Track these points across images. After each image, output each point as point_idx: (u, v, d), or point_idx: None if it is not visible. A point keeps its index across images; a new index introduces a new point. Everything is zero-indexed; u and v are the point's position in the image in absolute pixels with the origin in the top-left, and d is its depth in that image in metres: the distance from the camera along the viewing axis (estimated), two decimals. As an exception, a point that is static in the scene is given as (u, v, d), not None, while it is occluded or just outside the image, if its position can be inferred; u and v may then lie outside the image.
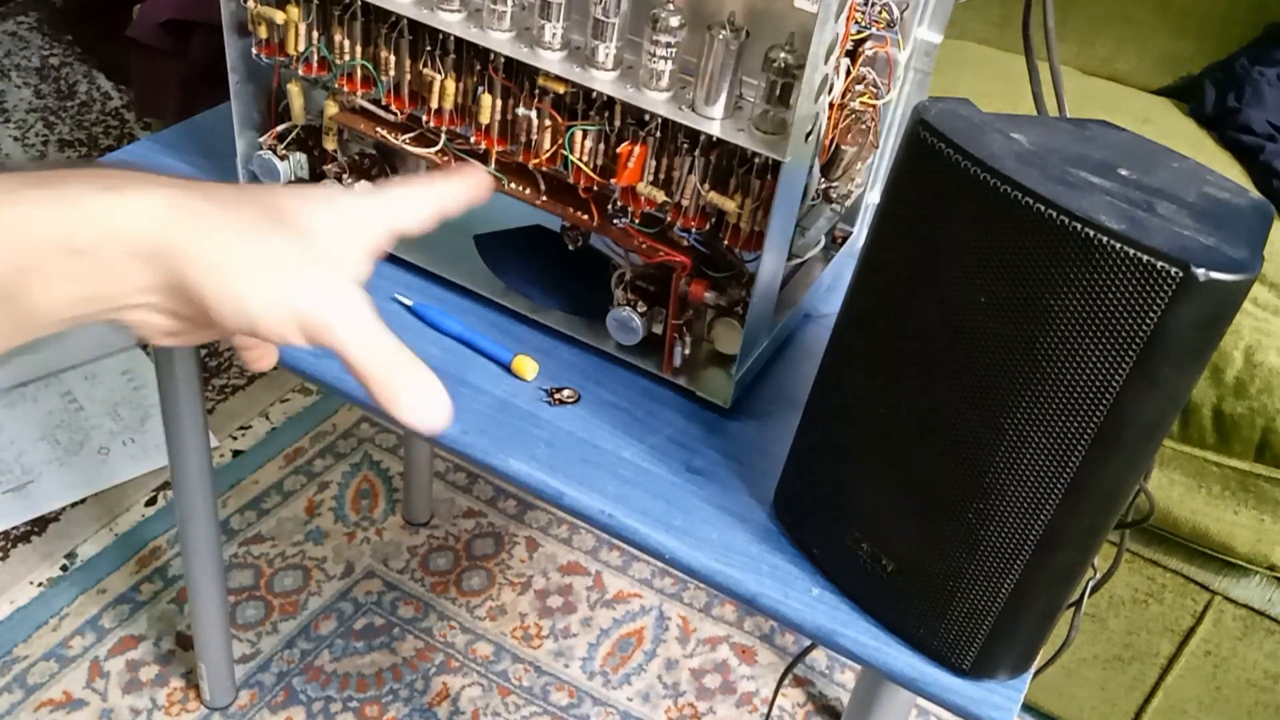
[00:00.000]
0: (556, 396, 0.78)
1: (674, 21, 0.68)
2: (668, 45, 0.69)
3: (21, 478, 1.54)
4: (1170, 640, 1.27)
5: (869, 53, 0.76)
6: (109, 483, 1.55)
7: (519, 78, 0.75)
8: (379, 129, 0.82)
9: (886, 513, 0.63)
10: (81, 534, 1.48)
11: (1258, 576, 1.19)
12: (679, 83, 0.71)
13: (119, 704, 1.31)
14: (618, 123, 0.73)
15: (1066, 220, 0.51)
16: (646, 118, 0.71)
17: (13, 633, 1.36)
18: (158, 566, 1.46)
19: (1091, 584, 0.68)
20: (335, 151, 0.87)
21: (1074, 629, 0.74)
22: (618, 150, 0.73)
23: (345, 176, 0.86)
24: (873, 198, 0.91)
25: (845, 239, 0.92)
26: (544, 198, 0.79)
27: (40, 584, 1.42)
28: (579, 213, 0.78)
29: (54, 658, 1.34)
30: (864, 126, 0.79)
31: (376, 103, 0.82)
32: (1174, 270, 0.49)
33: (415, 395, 0.48)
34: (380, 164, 0.89)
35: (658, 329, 0.79)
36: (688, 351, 0.80)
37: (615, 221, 0.76)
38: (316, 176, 0.89)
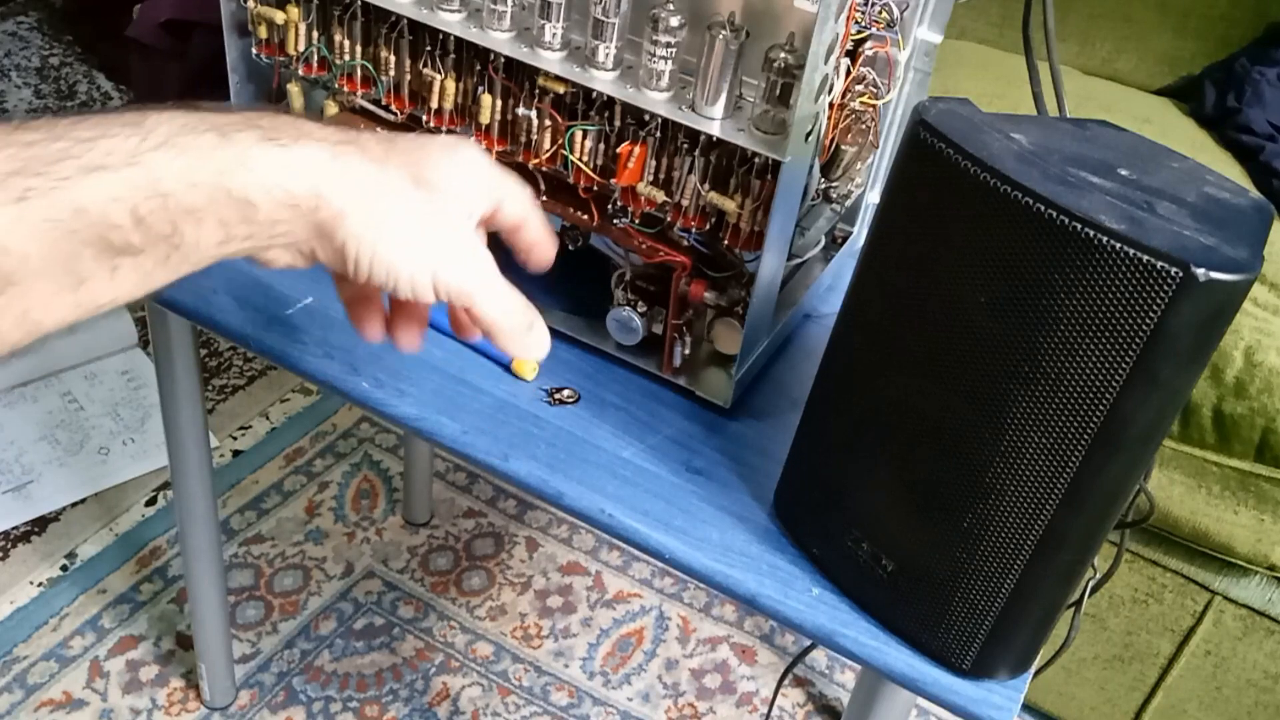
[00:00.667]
0: (556, 396, 0.78)
1: (674, 21, 0.68)
2: (668, 45, 0.69)
3: (21, 478, 1.54)
4: (1170, 640, 1.27)
5: (869, 53, 0.76)
6: (109, 483, 1.55)
7: (519, 78, 0.75)
8: (379, 129, 0.82)
9: (886, 513, 0.63)
10: (81, 534, 1.48)
11: (1258, 576, 1.19)
12: (679, 83, 0.71)
13: (119, 704, 1.31)
14: (618, 123, 0.73)
15: (1066, 220, 0.51)
16: (646, 118, 0.72)
17: (13, 633, 1.36)
18: (158, 566, 1.46)
19: (1091, 584, 0.68)
20: (335, 151, 0.87)
21: (1074, 629, 0.75)
22: (618, 150, 0.73)
23: (345, 176, 0.86)
24: (873, 198, 0.91)
25: (845, 239, 0.92)
26: (544, 198, 0.79)
27: (40, 584, 1.42)
28: (579, 213, 0.78)
29: (54, 658, 1.34)
30: (864, 126, 0.79)
31: (376, 103, 0.82)
32: (1174, 270, 0.49)
33: (531, 341, 0.55)
34: (380, 164, 0.89)
35: (658, 329, 0.79)
36: (688, 351, 0.80)
37: (615, 221, 0.76)
38: (316, 176, 0.89)
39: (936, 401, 0.59)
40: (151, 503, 1.54)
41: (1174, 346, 0.51)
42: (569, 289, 0.84)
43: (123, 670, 1.34)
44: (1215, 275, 0.49)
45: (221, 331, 0.80)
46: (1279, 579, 1.19)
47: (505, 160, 0.79)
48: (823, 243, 0.87)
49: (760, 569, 0.69)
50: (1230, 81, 1.43)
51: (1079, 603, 0.71)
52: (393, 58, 0.79)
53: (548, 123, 0.75)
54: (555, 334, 0.83)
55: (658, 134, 0.72)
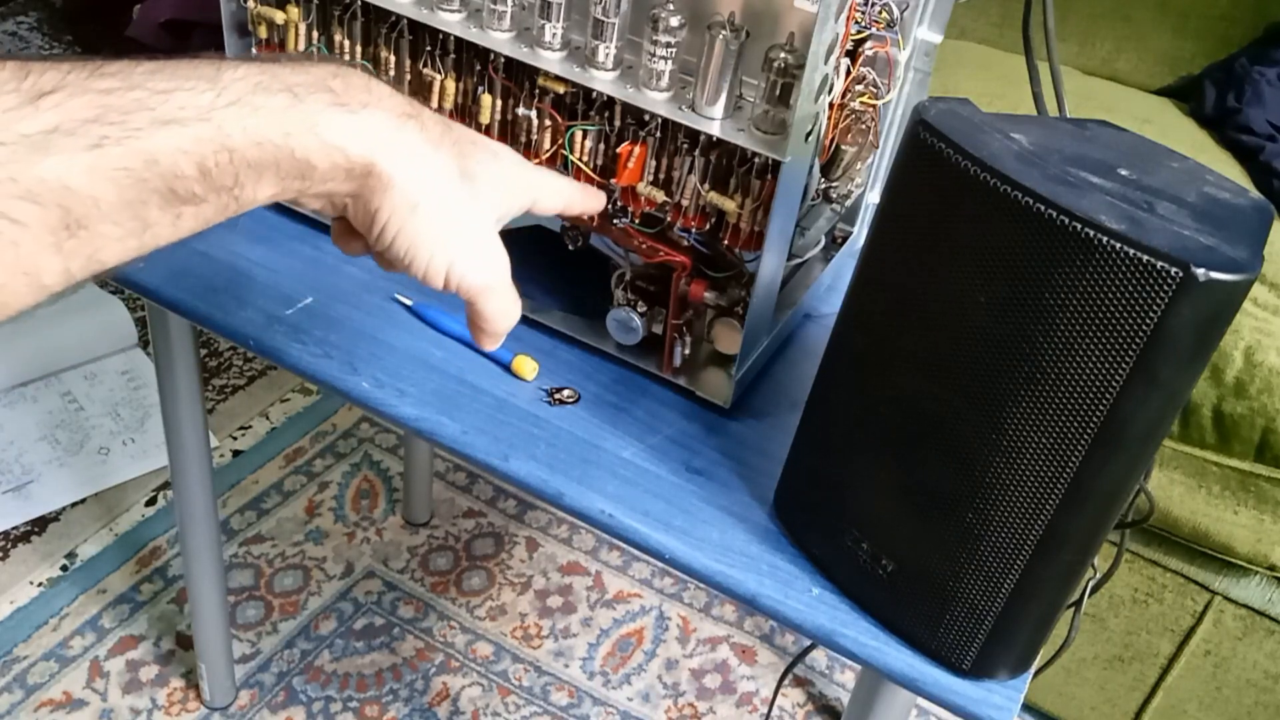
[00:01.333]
0: (556, 396, 0.78)
1: (674, 21, 0.68)
2: (668, 45, 0.69)
3: (21, 478, 1.54)
4: (1170, 640, 1.27)
5: (869, 53, 0.76)
6: (109, 483, 1.55)
7: (519, 78, 0.75)
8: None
9: (886, 513, 0.63)
10: (81, 534, 1.48)
11: (1258, 576, 1.20)
12: (679, 83, 0.71)
13: (119, 704, 1.31)
14: (618, 123, 0.73)
15: (1066, 220, 0.51)
16: (646, 118, 0.72)
17: (13, 633, 1.36)
18: (158, 566, 1.46)
19: (1091, 584, 0.68)
20: (335, 151, 0.87)
21: (1074, 629, 0.75)
22: (618, 150, 0.73)
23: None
24: (873, 198, 0.91)
25: (845, 239, 0.92)
26: (544, 198, 0.79)
27: (40, 584, 1.42)
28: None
29: (54, 658, 1.34)
30: (864, 126, 0.79)
31: (376, 103, 0.82)
32: (1174, 270, 0.49)
33: (500, 342, 0.59)
34: (380, 164, 0.89)
35: (658, 329, 0.79)
36: (688, 351, 0.80)
37: (615, 221, 0.76)
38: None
39: (936, 401, 0.59)
40: (151, 503, 1.54)
41: (1174, 346, 0.51)
42: (569, 289, 0.84)
43: (123, 670, 1.34)
44: (1215, 275, 0.49)
45: (221, 331, 0.80)
46: (1279, 579, 1.19)
47: (505, 160, 0.79)
48: (823, 243, 0.87)
49: (760, 569, 0.69)
50: (1230, 81, 1.43)
51: (1079, 603, 0.71)
52: (393, 58, 0.79)
53: (548, 123, 0.75)
54: (555, 334, 0.83)
55: (658, 134, 0.72)
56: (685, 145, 0.71)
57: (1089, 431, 0.54)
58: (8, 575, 1.42)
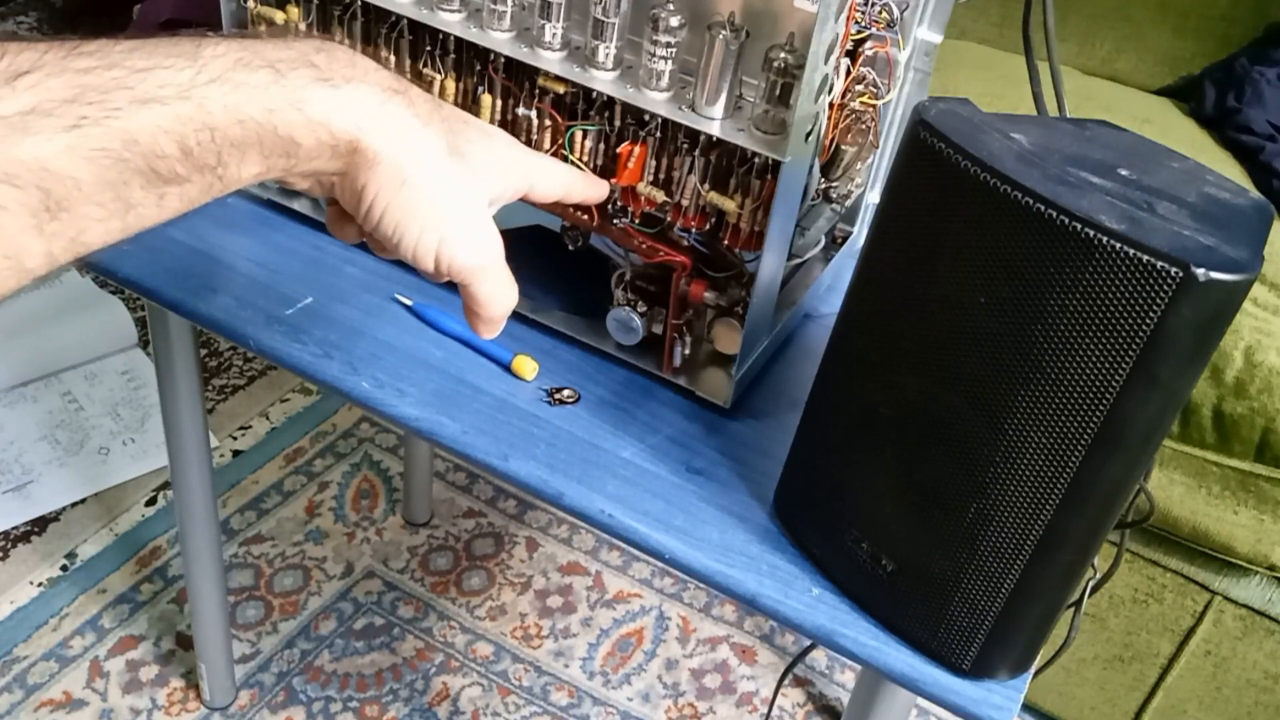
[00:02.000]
0: (556, 396, 0.78)
1: (674, 21, 0.68)
2: (668, 45, 0.69)
3: (21, 478, 1.54)
4: (1170, 640, 1.27)
5: (869, 53, 0.76)
6: (109, 483, 1.55)
7: (519, 78, 0.75)
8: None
9: (886, 513, 0.63)
10: (81, 534, 1.48)
11: (1258, 576, 1.20)
12: (679, 83, 0.71)
13: (119, 704, 1.31)
14: (618, 123, 0.73)
15: (1066, 220, 0.51)
16: (646, 118, 0.72)
17: (13, 633, 1.36)
18: (158, 566, 1.46)
19: (1091, 584, 0.68)
20: (335, 151, 0.87)
21: (1074, 629, 0.75)
22: (618, 150, 0.73)
23: (345, 176, 0.86)
24: (873, 198, 0.91)
25: (845, 239, 0.92)
26: (544, 198, 0.79)
27: (40, 584, 1.42)
28: (579, 213, 0.78)
29: (54, 658, 1.34)
30: (864, 126, 0.79)
31: (376, 103, 0.82)
32: (1174, 270, 0.49)
33: (499, 328, 0.57)
34: (380, 164, 0.89)
35: (658, 329, 0.79)
36: (688, 351, 0.80)
37: (615, 221, 0.76)
38: (316, 176, 0.89)
39: (936, 401, 0.59)
40: (151, 503, 1.54)
41: (1174, 346, 0.51)
42: (569, 289, 0.84)
43: (123, 670, 1.34)
44: (1215, 275, 0.49)
45: (221, 331, 0.80)
46: (1279, 579, 1.19)
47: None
48: (823, 243, 0.87)
49: (760, 569, 0.69)
50: (1230, 81, 1.43)
51: (1079, 603, 0.71)
52: (393, 58, 0.79)
53: (548, 123, 0.75)
54: (555, 334, 0.83)
55: (658, 134, 0.72)
56: (685, 145, 0.71)
57: (1089, 431, 0.54)
58: (8, 575, 1.42)
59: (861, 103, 0.77)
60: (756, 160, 0.70)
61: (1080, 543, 0.59)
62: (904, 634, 0.66)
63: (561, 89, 0.73)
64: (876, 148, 0.82)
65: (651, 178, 0.73)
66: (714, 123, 0.69)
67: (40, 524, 1.49)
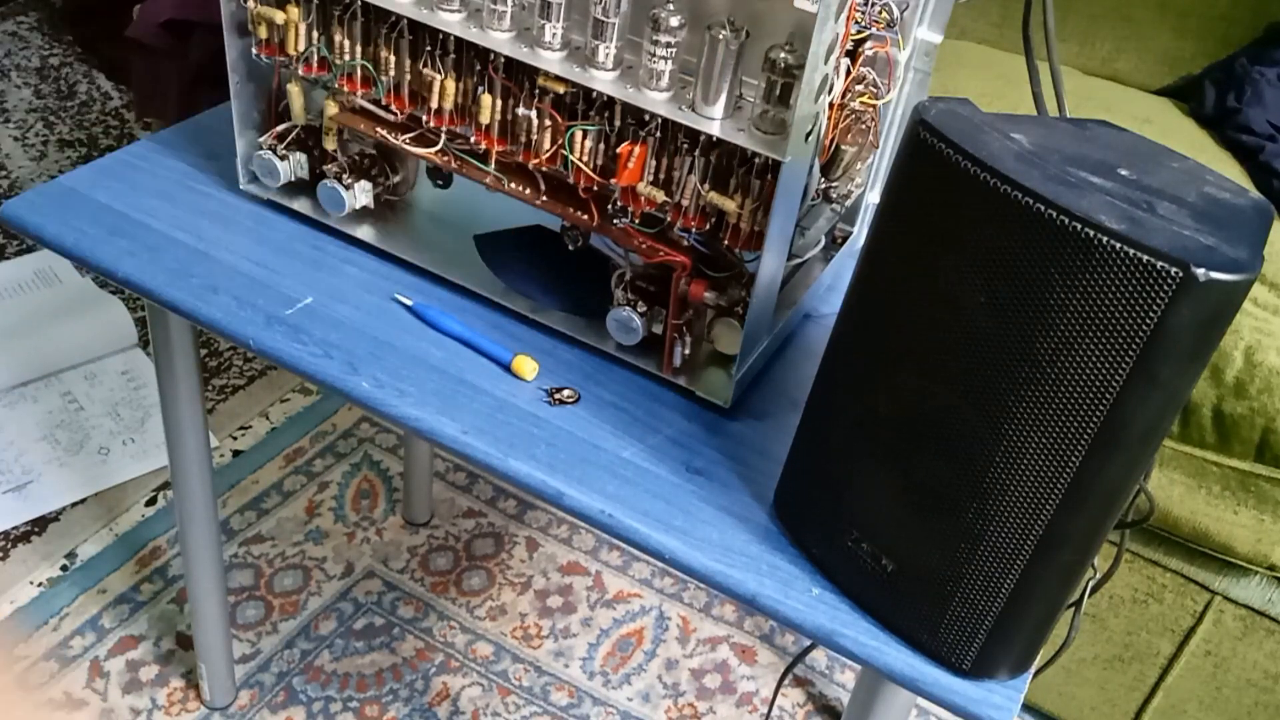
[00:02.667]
0: (556, 396, 0.78)
1: (674, 21, 0.68)
2: (668, 45, 0.69)
3: (21, 478, 1.54)
4: (1170, 640, 1.27)
5: (869, 53, 0.76)
6: (109, 483, 1.55)
7: (519, 78, 0.75)
8: (379, 129, 0.82)
9: (886, 513, 0.63)
10: (81, 534, 1.48)
11: (1258, 576, 1.19)
12: (679, 83, 0.71)
13: (119, 704, 1.31)
14: (618, 123, 0.73)
15: (1066, 220, 0.51)
16: (646, 118, 0.72)
17: (13, 633, 1.36)
18: (158, 566, 1.46)
19: (1091, 584, 0.68)
20: (335, 151, 0.87)
21: (1074, 629, 0.75)
22: (618, 150, 0.73)
23: (345, 176, 0.86)
24: (873, 198, 0.91)
25: (845, 239, 0.92)
26: (544, 198, 0.79)
27: (40, 584, 1.42)
28: (579, 213, 0.78)
29: (54, 658, 1.34)
30: (864, 126, 0.79)
31: (376, 103, 0.82)
32: (1174, 270, 0.49)
33: None
34: (380, 164, 0.89)
35: (658, 329, 0.79)
36: (688, 351, 0.80)
37: (615, 221, 0.76)
38: (316, 176, 0.89)
39: (936, 401, 0.59)
40: (151, 503, 1.54)
41: (1174, 346, 0.51)
42: (569, 289, 0.84)
43: (123, 670, 1.34)
44: (1215, 275, 0.49)
45: (221, 331, 0.80)
46: (1279, 579, 1.19)
47: (505, 160, 0.79)
48: (823, 243, 0.87)
49: (760, 569, 0.69)
50: (1230, 81, 1.43)
51: (1079, 603, 0.71)
52: (393, 58, 0.79)
53: (548, 123, 0.75)
54: (555, 334, 0.83)
55: (658, 134, 0.72)
56: (685, 145, 0.71)
57: (1089, 431, 0.54)
58: (8, 575, 1.42)
59: (861, 103, 0.77)
60: (756, 160, 0.70)
61: (1080, 543, 0.59)
62: (904, 634, 0.66)
63: (561, 89, 0.73)
64: (876, 148, 0.82)
65: (651, 178, 0.73)
66: (714, 123, 0.69)
67: (40, 524, 1.49)
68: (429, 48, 0.77)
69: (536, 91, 0.74)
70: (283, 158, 0.87)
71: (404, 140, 0.82)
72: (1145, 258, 0.50)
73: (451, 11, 0.74)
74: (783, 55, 0.67)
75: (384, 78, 0.80)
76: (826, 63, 0.67)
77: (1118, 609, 1.28)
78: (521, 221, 0.88)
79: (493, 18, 0.73)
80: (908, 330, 0.59)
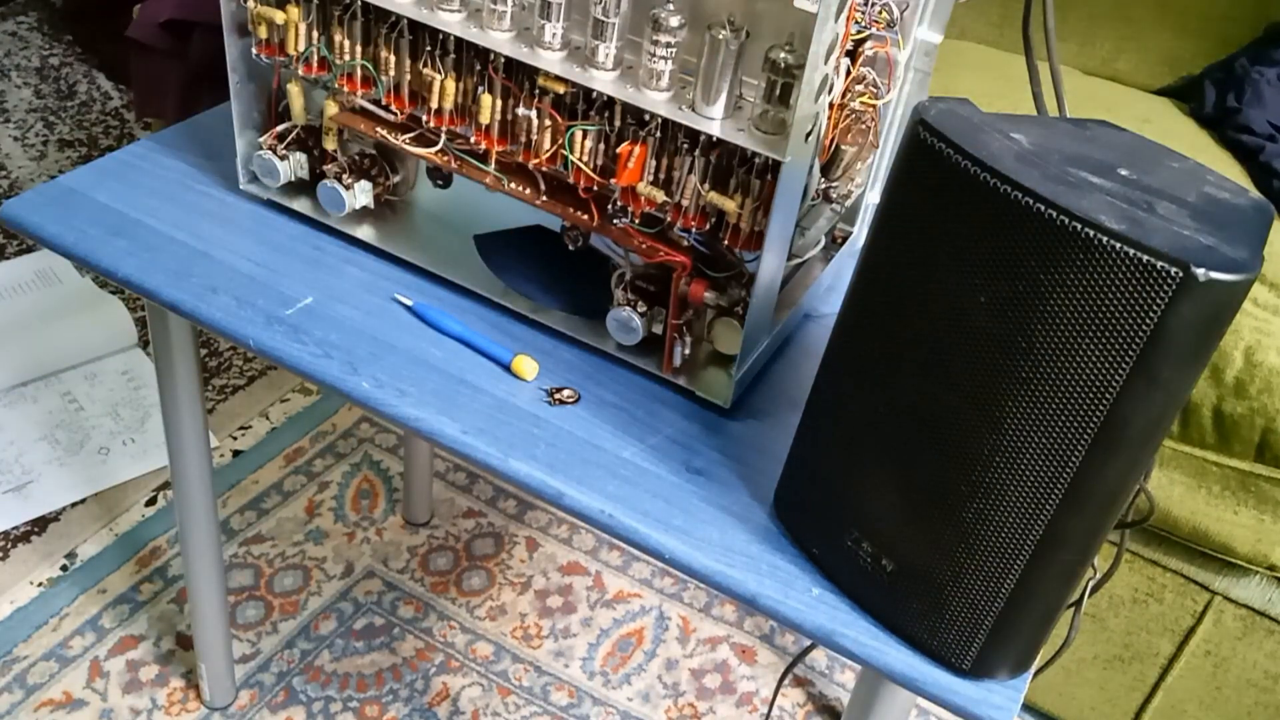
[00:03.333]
0: (556, 396, 0.78)
1: (674, 21, 0.68)
2: (668, 45, 0.69)
3: (21, 478, 1.54)
4: (1170, 640, 1.27)
5: (869, 53, 0.76)
6: (109, 483, 1.55)
7: (519, 78, 0.75)
8: (379, 129, 0.82)
9: (886, 513, 0.63)
10: (81, 534, 1.48)
11: (1258, 576, 1.19)
12: (679, 83, 0.71)
13: (119, 704, 1.31)
14: (618, 123, 0.73)
15: (1066, 220, 0.51)
16: (646, 118, 0.72)
17: (13, 633, 1.36)
18: (158, 566, 1.46)
19: (1091, 584, 0.68)
20: (335, 151, 0.87)
21: (1074, 629, 0.75)
22: (618, 150, 0.73)
23: (345, 176, 0.86)
24: (873, 198, 0.91)
25: (845, 239, 0.92)
26: (544, 198, 0.79)
27: (40, 584, 1.42)
28: (579, 213, 0.78)
29: (54, 658, 1.34)
30: (864, 126, 0.79)
31: (376, 103, 0.82)
32: (1174, 270, 0.49)
33: None
34: (380, 164, 0.89)
35: (658, 329, 0.79)
36: (688, 351, 0.80)
37: (615, 221, 0.76)
38: (316, 176, 0.89)
39: (936, 401, 0.59)
40: (151, 503, 1.54)
41: (1174, 346, 0.51)
42: (569, 289, 0.84)
43: (123, 670, 1.34)
44: (1215, 275, 0.49)
45: (221, 331, 0.80)
46: (1279, 579, 1.19)
47: (505, 160, 0.79)
48: (823, 243, 0.87)
49: (760, 569, 0.69)
50: (1230, 81, 1.43)
51: (1079, 603, 0.71)
52: (393, 58, 0.79)
53: (548, 123, 0.75)
54: (555, 334, 0.83)
55: (658, 134, 0.72)
56: (685, 145, 0.71)
57: (1089, 431, 0.54)
58: (8, 575, 1.42)
59: (861, 103, 0.77)
60: (756, 160, 0.70)
61: (1080, 543, 0.59)
62: (904, 634, 0.66)
63: (561, 89, 0.73)
64: (876, 148, 0.82)
65: (651, 178, 0.73)
66: (714, 123, 0.69)
67: (40, 524, 1.49)
68: (429, 48, 0.77)
69: (536, 91, 0.74)
70: (283, 158, 0.87)
71: (404, 140, 0.82)
72: (1145, 258, 0.50)
73: (451, 11, 0.74)
74: (783, 55, 0.67)
75: (384, 78, 0.80)
76: (826, 63, 0.67)
77: (1118, 609, 1.28)
78: (521, 221, 0.88)
79: (493, 18, 0.73)
80: (908, 330, 0.59)
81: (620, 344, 0.80)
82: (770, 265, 0.73)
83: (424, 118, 0.80)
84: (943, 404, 0.58)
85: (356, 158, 0.88)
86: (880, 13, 0.75)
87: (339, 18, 0.79)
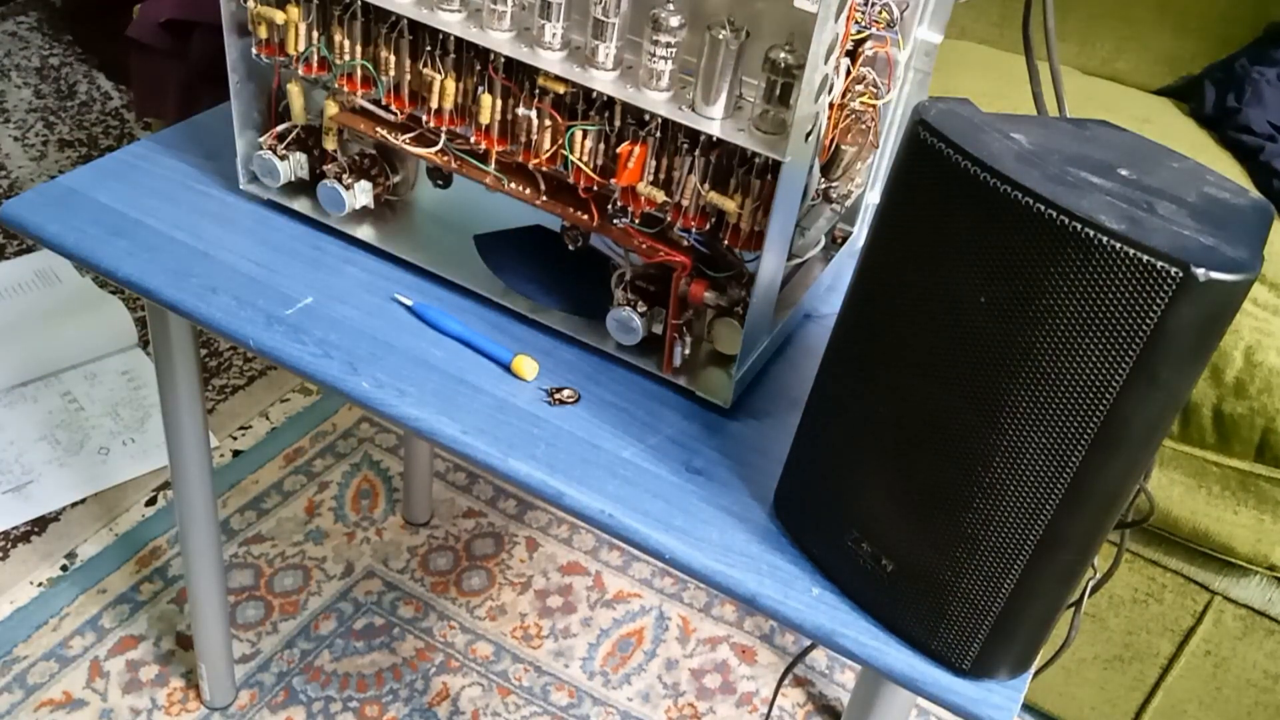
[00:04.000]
0: (556, 396, 0.78)
1: (674, 21, 0.68)
2: (668, 45, 0.69)
3: (21, 478, 1.54)
4: (1170, 640, 1.27)
5: (869, 53, 0.76)
6: (109, 483, 1.55)
7: (519, 78, 0.75)
8: (379, 129, 0.82)
9: (886, 513, 0.63)
10: (81, 534, 1.48)
11: (1258, 576, 1.19)
12: (679, 83, 0.71)
13: (119, 704, 1.31)
14: (618, 123, 0.73)
15: (1066, 220, 0.51)
16: (646, 118, 0.72)
17: (13, 633, 1.36)
18: (158, 566, 1.46)
19: (1091, 584, 0.68)
20: (335, 151, 0.87)
21: (1074, 629, 0.75)
22: (618, 150, 0.73)
23: (345, 176, 0.86)
24: (873, 198, 0.91)
25: (845, 239, 0.92)
26: (544, 198, 0.79)
27: (40, 584, 1.42)
28: (579, 213, 0.78)
29: (54, 658, 1.34)
30: (864, 126, 0.79)
31: (376, 103, 0.82)
32: (1174, 270, 0.49)
33: None
34: (380, 164, 0.89)
35: (658, 329, 0.79)
36: (688, 351, 0.80)
37: (615, 221, 0.76)
38: (316, 176, 0.89)
39: (936, 401, 0.59)
40: (151, 503, 1.54)
41: (1174, 346, 0.51)
42: (569, 289, 0.84)
43: (123, 670, 1.34)
44: (1215, 275, 0.49)
45: (221, 331, 0.80)
46: (1279, 579, 1.19)
47: (505, 160, 0.79)
48: (823, 243, 0.87)
49: (760, 569, 0.69)
50: (1230, 81, 1.43)
51: (1079, 603, 0.71)
52: (393, 58, 0.79)
53: (548, 123, 0.75)
54: (555, 334, 0.83)
55: (658, 134, 0.72)
56: (685, 145, 0.71)
57: (1089, 431, 0.54)
58: (8, 575, 1.42)
59: (861, 103, 0.77)
60: (756, 160, 0.70)
61: (1080, 543, 0.59)
62: (904, 634, 0.66)
63: (561, 89, 0.73)
64: (876, 148, 0.82)
65: (651, 178, 0.73)
66: (714, 123, 0.69)
67: (40, 524, 1.49)
68: (429, 48, 0.77)
69: (536, 91, 0.74)
70: (283, 158, 0.87)
71: (404, 140, 0.82)
72: (1145, 258, 0.50)
73: (451, 11, 0.74)
74: (783, 55, 0.67)
75: (384, 78, 0.80)
76: (826, 63, 0.67)
77: (1118, 609, 1.28)
78: (521, 221, 0.88)
79: (493, 18, 0.73)
80: (908, 330, 0.59)
81: (620, 344, 0.80)
82: (770, 265, 0.73)
83: (424, 118, 0.80)
84: (942, 404, 0.58)
85: (356, 158, 0.88)
86: (880, 13, 0.75)
87: (339, 18, 0.79)
